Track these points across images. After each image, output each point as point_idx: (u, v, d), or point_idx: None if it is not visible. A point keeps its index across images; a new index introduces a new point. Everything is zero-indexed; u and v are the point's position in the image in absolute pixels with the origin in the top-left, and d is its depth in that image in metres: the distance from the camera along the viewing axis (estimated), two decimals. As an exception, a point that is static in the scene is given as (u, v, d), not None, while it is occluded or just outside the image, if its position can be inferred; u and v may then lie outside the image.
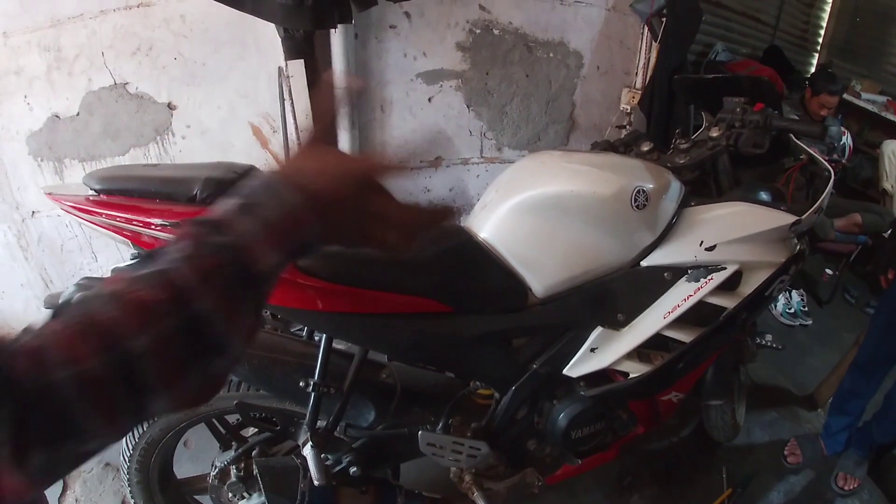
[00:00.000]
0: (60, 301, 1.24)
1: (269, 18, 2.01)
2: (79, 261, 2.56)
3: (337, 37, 2.25)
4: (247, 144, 2.48)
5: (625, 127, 3.07)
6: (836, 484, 2.20)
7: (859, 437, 2.23)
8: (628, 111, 3.04)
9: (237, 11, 2.01)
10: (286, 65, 2.26)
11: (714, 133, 1.52)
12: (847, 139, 3.78)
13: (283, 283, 1.13)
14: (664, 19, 2.80)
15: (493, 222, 1.33)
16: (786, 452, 2.32)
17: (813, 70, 5.34)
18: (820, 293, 3.58)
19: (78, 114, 2.33)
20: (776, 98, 1.66)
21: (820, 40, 5.55)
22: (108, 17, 2.23)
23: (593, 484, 2.07)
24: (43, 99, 2.31)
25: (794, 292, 3.36)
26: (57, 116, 2.32)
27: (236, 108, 2.42)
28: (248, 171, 1.22)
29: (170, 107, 2.37)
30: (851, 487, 2.18)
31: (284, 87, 2.31)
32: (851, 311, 3.62)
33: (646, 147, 1.55)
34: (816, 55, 5.55)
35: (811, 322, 3.35)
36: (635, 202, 1.27)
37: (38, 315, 2.33)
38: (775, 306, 3.31)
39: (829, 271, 3.66)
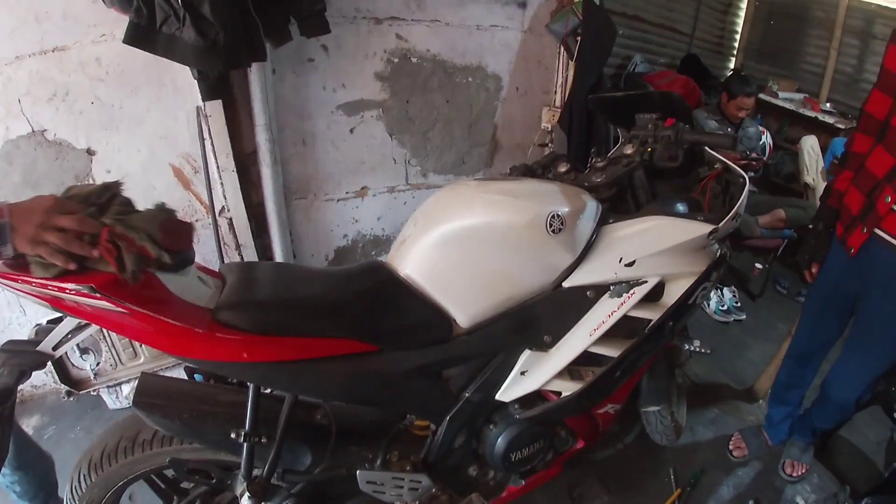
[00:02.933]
0: None
1: (182, 61, 1.99)
2: (7, 315, 2.48)
3: (254, 73, 2.25)
4: (169, 186, 2.45)
5: (547, 145, 3.15)
6: (783, 472, 2.26)
7: (801, 425, 2.29)
8: (549, 129, 3.11)
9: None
10: (204, 104, 2.24)
11: (628, 150, 1.57)
12: (766, 138, 3.92)
13: (206, 337, 1.12)
14: (579, 38, 2.89)
15: (412, 257, 1.34)
16: (731, 447, 2.37)
17: (733, 70, 5.57)
18: (751, 287, 3.69)
19: (-4, 164, 2.25)
20: (686, 111, 1.72)
21: (736, 45, 5.77)
22: (24, 62, 2.18)
23: (544, 500, 2.08)
24: None
25: (725, 289, 3.46)
26: (-27, 168, 2.24)
27: (156, 150, 2.39)
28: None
29: (89, 152, 2.33)
30: (799, 473, 2.24)
31: (204, 127, 2.29)
32: (784, 302, 3.73)
33: (563, 168, 1.58)
34: (733, 59, 5.77)
35: (745, 317, 3.44)
36: (550, 227, 1.30)
37: None
38: (708, 304, 3.41)
39: (758, 265, 3.77)
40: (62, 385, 2.24)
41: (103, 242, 1.01)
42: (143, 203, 2.22)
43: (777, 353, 2.63)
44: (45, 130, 2.26)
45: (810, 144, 4.22)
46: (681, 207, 1.53)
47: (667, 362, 2.05)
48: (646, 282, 1.41)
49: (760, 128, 3.88)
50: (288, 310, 1.22)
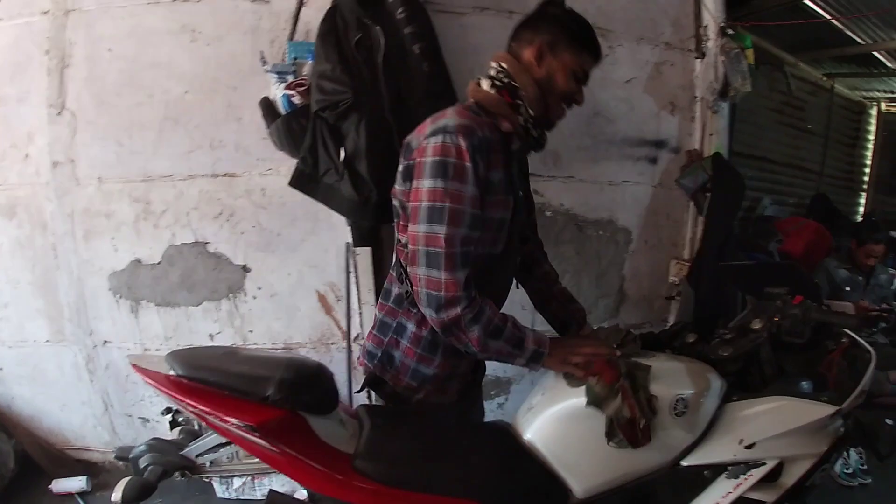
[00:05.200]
0: (131, 456, 1.38)
1: (338, 210, 2.23)
2: (141, 392, 2.72)
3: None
4: (312, 309, 2.66)
5: (674, 297, 3.14)
6: None
7: None
8: (677, 282, 3.10)
9: (312, 192, 2.25)
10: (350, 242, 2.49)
11: (756, 325, 1.58)
12: (900, 282, 3.73)
13: (344, 483, 1.25)
14: (708, 194, 2.92)
15: (536, 425, 1.41)
16: None
17: (861, 212, 5.35)
18: (880, 447, 3.40)
19: (159, 262, 2.59)
20: (813, 289, 1.73)
21: (866, 179, 5.58)
22: (196, 181, 2.52)
23: None
24: (128, 244, 2.58)
25: (851, 451, 3.21)
26: (139, 261, 2.59)
27: (305, 276, 2.63)
28: (317, 371, 1.38)
29: (244, 269, 2.60)
30: None
31: (351, 262, 2.51)
32: None
33: (691, 339, 1.62)
34: (864, 194, 5.57)
35: (871, 480, 3.15)
36: (674, 410, 1.34)
37: (91, 431, 2.48)
38: (833, 467, 3.16)
39: (889, 422, 3.48)
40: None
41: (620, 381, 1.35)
42: (287, 318, 2.36)
43: None
44: (207, 243, 2.56)
45: (948, 282, 3.94)
46: (805, 386, 1.52)
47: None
48: (764, 464, 1.40)
49: (892, 271, 3.70)
50: (420, 466, 1.33)
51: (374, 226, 2.36)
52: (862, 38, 4.46)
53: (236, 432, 1.25)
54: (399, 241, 1.48)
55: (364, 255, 2.46)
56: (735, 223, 3.24)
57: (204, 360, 1.39)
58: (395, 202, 1.46)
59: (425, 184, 1.31)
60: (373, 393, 1.63)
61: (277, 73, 2.24)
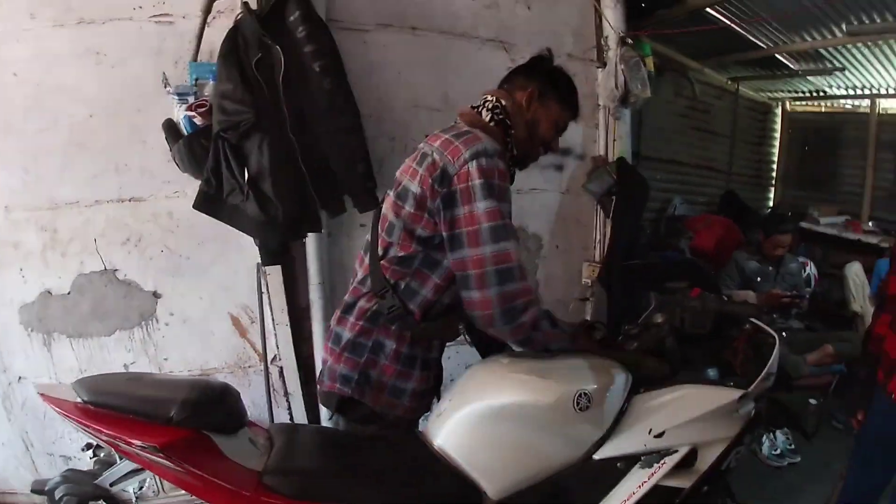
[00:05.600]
0: (46, 488, 1.36)
1: (244, 230, 2.19)
2: (60, 429, 2.59)
3: (311, 237, 2.41)
4: (226, 333, 2.60)
5: (587, 299, 3.23)
6: None
7: None
8: (590, 284, 3.19)
9: (220, 211, 2.19)
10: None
11: (659, 319, 1.64)
12: (810, 269, 3.92)
13: (252, 500, 1.23)
14: (614, 197, 3.03)
15: (446, 430, 1.42)
16: None
17: (770, 206, 5.61)
18: (805, 426, 3.55)
19: (69, 293, 2.47)
20: (711, 281, 1.81)
21: (773, 175, 5.86)
22: (102, 207, 2.43)
23: None
24: (37, 274, 2.46)
25: (778, 432, 3.34)
26: (49, 292, 2.47)
27: (217, 299, 2.56)
28: (222, 391, 1.36)
29: (155, 295, 2.51)
30: None
31: (262, 282, 2.47)
32: (841, 438, 3.48)
33: (598, 335, 1.66)
34: (772, 190, 5.84)
35: (799, 459, 3.30)
36: (578, 405, 1.37)
37: (14, 473, 2.29)
38: (761, 449, 3.28)
39: (812, 401, 3.64)
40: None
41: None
42: (201, 343, 2.37)
43: (832, 499, 2.48)
44: (116, 270, 2.47)
45: (854, 271, 4.21)
46: (711, 373, 1.58)
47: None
48: (676, 451, 1.44)
49: (802, 260, 3.89)
50: (329, 478, 1.32)
51: (282, 244, 2.34)
52: (764, 42, 4.67)
53: (143, 455, 1.24)
54: (388, 255, 1.50)
55: (275, 273, 2.42)
56: (643, 223, 3.36)
57: (110, 386, 1.37)
58: (395, 222, 1.49)
59: (480, 206, 1.37)
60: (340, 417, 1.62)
61: (178, 94, 2.20)
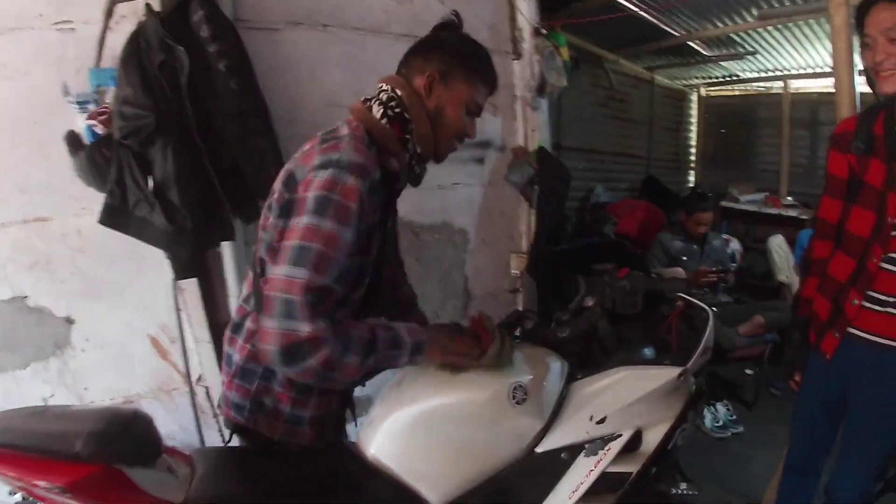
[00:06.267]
0: None
1: (153, 243, 2.05)
2: None
3: (227, 246, 2.30)
4: (147, 355, 2.45)
5: (517, 290, 3.23)
6: None
7: None
8: (519, 275, 3.20)
9: (132, 228, 2.07)
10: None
11: (589, 302, 1.61)
12: (734, 244, 4.06)
13: None
14: (536, 187, 3.05)
15: (378, 439, 1.34)
16: None
17: (690, 188, 5.81)
18: (745, 396, 3.66)
19: (-24, 324, 2.27)
20: (636, 259, 1.80)
21: (692, 158, 6.05)
22: (7, 230, 2.24)
23: None
24: None
25: (718, 404, 3.42)
26: (-43, 325, 2.26)
27: (135, 321, 2.41)
28: (131, 419, 1.23)
29: (69, 320, 2.34)
30: None
31: (180, 300, 2.33)
32: (781, 403, 3.65)
33: (529, 325, 1.62)
34: (692, 172, 6.03)
35: (742, 429, 3.38)
36: (514, 398, 1.32)
37: None
38: (703, 422, 3.35)
39: (748, 371, 3.75)
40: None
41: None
42: (122, 368, 2.27)
43: (780, 464, 2.49)
44: (26, 297, 2.29)
45: (777, 244, 4.37)
46: (647, 353, 1.56)
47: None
48: (620, 435, 1.41)
49: (725, 237, 4.01)
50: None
51: (194, 255, 2.19)
52: (676, 31, 4.78)
53: (51, 497, 1.13)
54: (265, 272, 1.32)
55: (191, 288, 2.29)
56: (567, 212, 3.40)
57: (9, 423, 1.23)
58: (263, 235, 1.32)
59: (303, 220, 1.17)
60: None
61: (79, 102, 2.05)
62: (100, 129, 2.00)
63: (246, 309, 1.39)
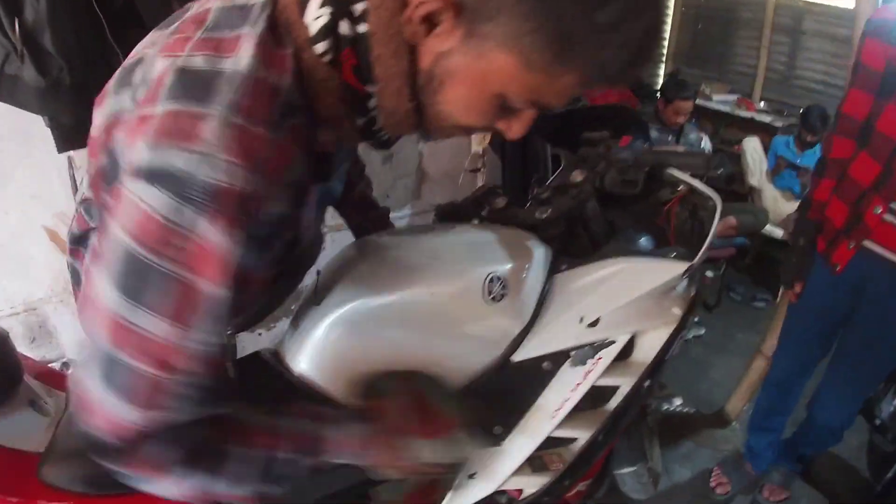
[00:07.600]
0: None
1: (25, 106, 1.64)
2: None
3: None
4: (46, 253, 2.11)
5: (479, 170, 2.91)
6: (761, 496, 2.15)
7: (787, 451, 2.17)
8: (481, 153, 2.87)
9: (14, 102, 1.66)
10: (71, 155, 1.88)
11: (578, 177, 1.28)
12: (706, 142, 3.84)
13: None
14: None
15: (310, 349, 0.96)
16: (713, 484, 2.22)
17: (662, 80, 5.54)
18: (707, 298, 3.56)
19: None
20: (643, 127, 1.47)
21: (665, 51, 5.79)
22: None
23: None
24: None
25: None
26: None
27: (28, 212, 2.06)
28: None
29: (-49, 219, 1.96)
30: (779, 499, 2.13)
31: (77, 179, 1.92)
32: (740, 309, 3.65)
33: (500, 204, 1.27)
34: (663, 66, 5.78)
35: (704, 331, 3.31)
36: (490, 293, 0.99)
37: None
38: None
39: (709, 274, 3.63)
40: None
41: None
42: (20, 271, 2.06)
43: (747, 374, 2.50)
44: None
45: (753, 146, 4.21)
46: (645, 242, 1.27)
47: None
48: (614, 342, 1.13)
49: (700, 133, 3.78)
50: None
51: (77, 116, 1.66)
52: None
53: None
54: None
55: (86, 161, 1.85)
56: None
57: None
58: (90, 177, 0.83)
59: (108, 288, 0.61)
60: None
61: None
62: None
63: (87, 223, 0.89)
